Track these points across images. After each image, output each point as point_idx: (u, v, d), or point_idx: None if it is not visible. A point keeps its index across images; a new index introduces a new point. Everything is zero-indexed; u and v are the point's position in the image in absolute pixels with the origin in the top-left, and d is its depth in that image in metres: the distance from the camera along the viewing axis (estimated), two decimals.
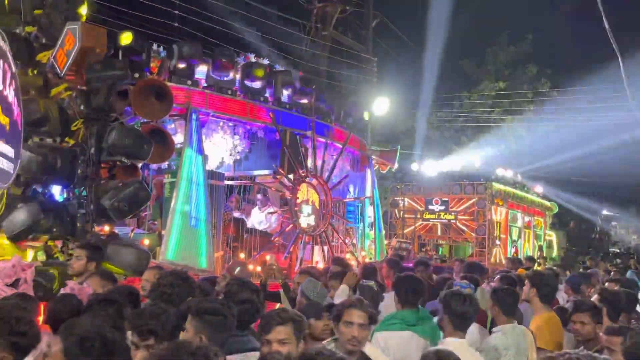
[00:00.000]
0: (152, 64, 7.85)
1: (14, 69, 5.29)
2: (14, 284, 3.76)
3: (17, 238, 5.59)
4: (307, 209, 9.74)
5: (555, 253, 21.24)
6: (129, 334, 2.71)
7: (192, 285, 3.46)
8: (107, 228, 6.68)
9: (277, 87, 9.23)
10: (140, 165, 7.19)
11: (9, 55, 5.23)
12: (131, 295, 3.33)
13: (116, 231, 6.79)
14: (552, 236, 21.93)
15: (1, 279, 3.72)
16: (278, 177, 9.31)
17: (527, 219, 18.58)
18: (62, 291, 4.26)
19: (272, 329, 2.83)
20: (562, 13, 25.68)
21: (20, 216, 5.34)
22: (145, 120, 7.18)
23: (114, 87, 6.42)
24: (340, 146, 10.44)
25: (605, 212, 29.75)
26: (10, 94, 5.18)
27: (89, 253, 4.58)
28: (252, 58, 9.31)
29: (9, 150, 5.08)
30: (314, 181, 9.93)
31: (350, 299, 3.67)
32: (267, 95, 9.07)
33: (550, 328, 4.52)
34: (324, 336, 3.68)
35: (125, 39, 6.47)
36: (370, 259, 10.93)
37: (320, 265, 9.16)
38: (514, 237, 17.52)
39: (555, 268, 9.42)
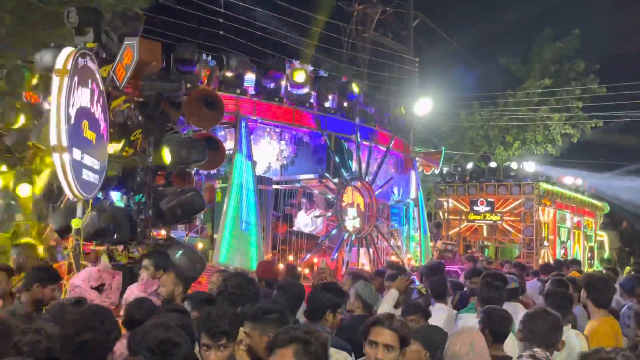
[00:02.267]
0: (202, 74, 8.16)
1: (101, 87, 5.69)
2: (98, 288, 4.05)
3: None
4: (352, 211, 9.87)
5: (607, 254, 20.57)
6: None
7: (256, 286, 3.66)
8: (163, 232, 7.02)
9: (322, 92, 9.40)
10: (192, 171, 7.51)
11: (97, 75, 5.63)
12: None
13: (172, 235, 7.11)
14: (604, 237, 21.23)
15: (88, 282, 4.01)
16: (324, 180, 9.47)
17: (576, 219, 18.08)
18: (136, 285, 4.57)
19: (274, 351, 2.40)
20: (610, 5, 24.84)
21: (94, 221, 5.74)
22: (197, 128, 7.48)
23: (168, 98, 6.73)
24: (385, 149, 10.51)
25: None
26: (97, 111, 5.59)
27: (155, 262, 4.84)
28: (297, 64, 9.51)
29: (95, 163, 5.50)
30: (359, 184, 10.04)
31: (380, 314, 3.21)
32: (312, 101, 9.26)
33: (607, 333, 4.46)
34: None
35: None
36: (416, 261, 10.96)
37: (367, 268, 9.27)
38: (563, 238, 17.10)
39: (604, 271, 9.18)
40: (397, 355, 2.86)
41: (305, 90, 9.13)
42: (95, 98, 5.62)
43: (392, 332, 2.85)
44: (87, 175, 5.35)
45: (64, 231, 6.11)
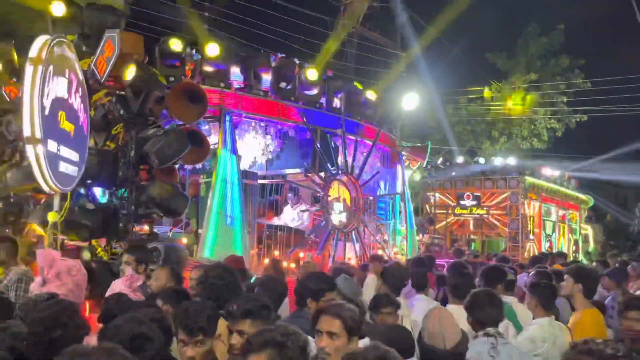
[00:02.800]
0: (186, 67, 8.06)
1: (80, 77, 5.53)
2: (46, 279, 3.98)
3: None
4: (338, 206, 9.83)
5: (591, 247, 20.79)
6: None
7: (237, 277, 3.62)
8: (146, 227, 6.92)
9: (306, 86, 9.32)
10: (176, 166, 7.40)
11: (76, 65, 5.46)
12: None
13: (155, 230, 7.02)
14: (588, 230, 21.47)
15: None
16: (310, 175, 9.42)
17: (561, 212, 18.26)
18: (121, 280, 4.50)
19: (248, 356, 2.21)
20: (594, 1, 24.99)
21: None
22: (181, 122, 7.38)
23: (151, 92, 6.61)
24: (371, 143, 10.48)
25: None
26: (76, 102, 5.44)
27: (136, 257, 4.77)
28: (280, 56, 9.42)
29: (74, 155, 5.37)
30: (345, 178, 10.01)
31: (327, 303, 3.01)
32: (296, 94, 9.18)
33: (593, 324, 4.46)
34: None
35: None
36: (402, 255, 10.96)
37: (353, 262, 9.25)
38: (548, 231, 17.25)
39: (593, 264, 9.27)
40: (342, 344, 2.63)
41: (291, 86, 9.07)
42: (74, 88, 5.46)
43: (336, 320, 2.66)
44: (64, 167, 5.21)
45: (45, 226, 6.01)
